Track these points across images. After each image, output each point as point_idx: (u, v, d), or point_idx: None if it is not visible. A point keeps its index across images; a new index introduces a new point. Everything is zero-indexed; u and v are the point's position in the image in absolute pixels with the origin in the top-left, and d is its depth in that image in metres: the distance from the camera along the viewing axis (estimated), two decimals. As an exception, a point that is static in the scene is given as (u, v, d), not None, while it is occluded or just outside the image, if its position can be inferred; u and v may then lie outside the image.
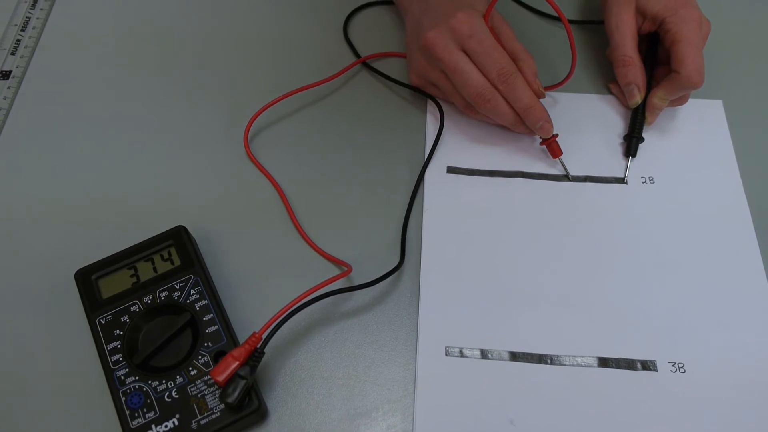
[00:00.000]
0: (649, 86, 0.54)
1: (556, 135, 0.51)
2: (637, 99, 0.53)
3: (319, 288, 0.44)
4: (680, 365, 0.44)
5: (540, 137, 0.52)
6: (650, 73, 0.54)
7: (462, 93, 0.51)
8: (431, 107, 0.56)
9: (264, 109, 0.55)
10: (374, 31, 0.61)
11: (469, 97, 0.50)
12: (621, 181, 0.52)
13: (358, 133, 0.55)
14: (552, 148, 0.52)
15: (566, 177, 0.52)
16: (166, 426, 0.40)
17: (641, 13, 0.54)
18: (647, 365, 0.44)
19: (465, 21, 0.49)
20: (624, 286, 0.47)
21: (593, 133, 0.54)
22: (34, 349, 0.46)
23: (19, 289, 0.48)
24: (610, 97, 0.57)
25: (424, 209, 0.51)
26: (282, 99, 0.55)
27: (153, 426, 0.40)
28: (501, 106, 0.50)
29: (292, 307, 0.42)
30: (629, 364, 0.44)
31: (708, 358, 0.44)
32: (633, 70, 0.53)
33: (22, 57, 0.60)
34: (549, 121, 0.50)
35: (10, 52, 0.60)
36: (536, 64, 0.52)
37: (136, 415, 0.40)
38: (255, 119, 0.54)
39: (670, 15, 0.52)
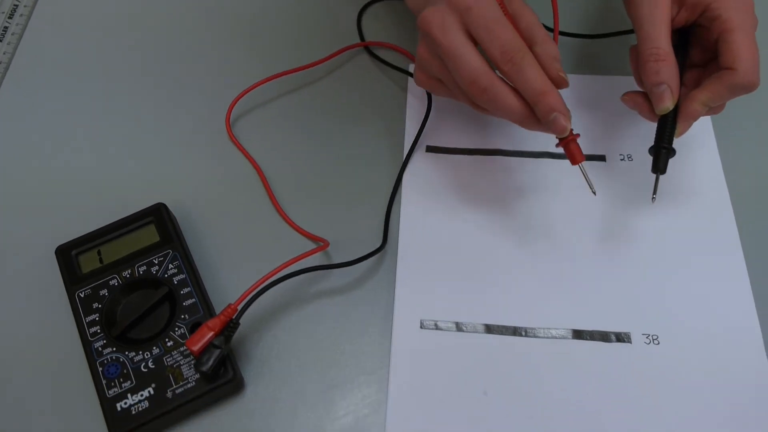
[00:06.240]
0: None
1: (577, 135, 0.42)
2: (668, 104, 0.43)
3: (295, 261, 0.44)
4: (654, 337, 0.44)
5: (556, 136, 0.42)
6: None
7: (457, 81, 0.42)
8: (412, 87, 0.56)
9: (247, 92, 0.55)
10: (387, 24, 0.61)
11: (463, 85, 0.41)
12: (602, 158, 0.52)
13: (342, 116, 0.56)
14: (569, 149, 0.42)
15: (592, 192, 0.44)
16: (141, 395, 0.40)
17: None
18: (621, 337, 0.44)
19: None
20: (598, 260, 0.47)
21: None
22: (14, 323, 0.46)
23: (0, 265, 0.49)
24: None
25: (402, 187, 0.51)
26: (266, 81, 0.56)
27: (129, 395, 0.40)
28: (501, 95, 0.40)
29: (267, 279, 0.43)
30: (603, 336, 0.44)
31: (681, 330, 0.45)
32: (667, 66, 0.42)
33: (9, 44, 0.61)
34: (566, 113, 0.40)
35: (-2, 38, 0.61)
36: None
37: (113, 384, 0.41)
38: (237, 101, 0.55)
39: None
